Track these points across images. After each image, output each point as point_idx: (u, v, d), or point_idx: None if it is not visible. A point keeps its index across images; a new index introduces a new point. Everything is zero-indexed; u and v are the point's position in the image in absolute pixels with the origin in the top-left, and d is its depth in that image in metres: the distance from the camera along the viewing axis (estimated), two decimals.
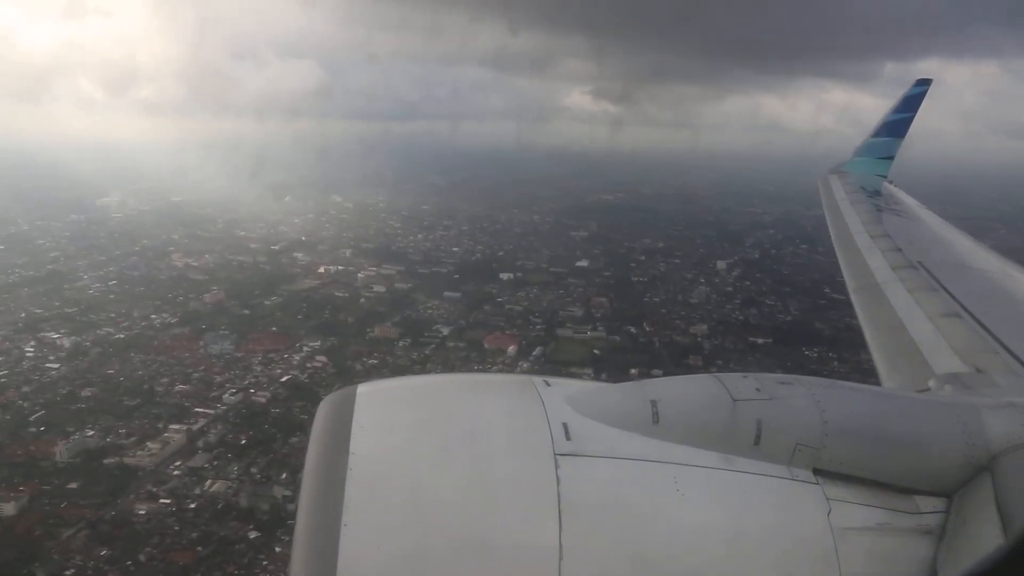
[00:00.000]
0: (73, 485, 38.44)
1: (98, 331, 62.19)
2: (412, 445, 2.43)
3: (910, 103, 15.06)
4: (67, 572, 31.86)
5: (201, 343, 59.55)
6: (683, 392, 2.78)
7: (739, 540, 2.38)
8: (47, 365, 54.56)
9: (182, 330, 63.39)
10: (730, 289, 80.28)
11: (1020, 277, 7.87)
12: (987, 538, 2.37)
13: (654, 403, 2.62)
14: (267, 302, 71.53)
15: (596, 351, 59.85)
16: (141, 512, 36.27)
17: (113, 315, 66.47)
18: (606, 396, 2.76)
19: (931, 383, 4.12)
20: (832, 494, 2.54)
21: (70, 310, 67.70)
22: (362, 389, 2.68)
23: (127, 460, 40.92)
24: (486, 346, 59.61)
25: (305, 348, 58.92)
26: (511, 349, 58.49)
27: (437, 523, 2.22)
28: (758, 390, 2.72)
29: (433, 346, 59.89)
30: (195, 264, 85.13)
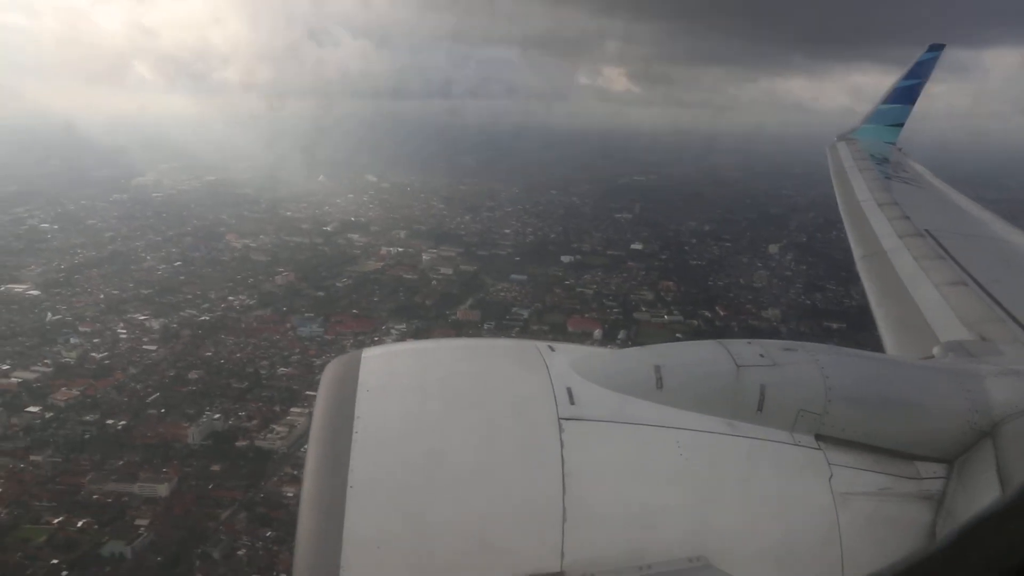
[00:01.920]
0: (215, 467, 39.32)
1: (181, 313, 62.75)
2: (417, 409, 2.45)
3: (921, 69, 14.68)
4: (238, 552, 32.89)
5: (289, 325, 60.27)
6: (687, 358, 2.80)
7: (741, 504, 2.41)
8: (145, 347, 55.25)
9: (263, 312, 64.02)
10: (789, 273, 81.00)
11: None
12: (987, 503, 2.72)
13: (658, 368, 2.64)
14: (339, 284, 72.07)
15: (679, 335, 60.73)
16: (289, 494, 37.16)
17: (190, 296, 67.03)
18: (610, 361, 2.77)
19: (935, 350, 4.10)
20: (834, 459, 2.57)
21: (146, 291, 68.19)
22: (367, 354, 2.70)
23: (259, 443, 41.78)
24: (570, 329, 60.37)
25: (393, 330, 59.60)
26: (596, 332, 59.29)
27: (441, 486, 2.24)
28: (762, 356, 2.74)
29: (517, 329, 60.65)
30: (253, 245, 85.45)
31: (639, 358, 2.73)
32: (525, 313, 64.32)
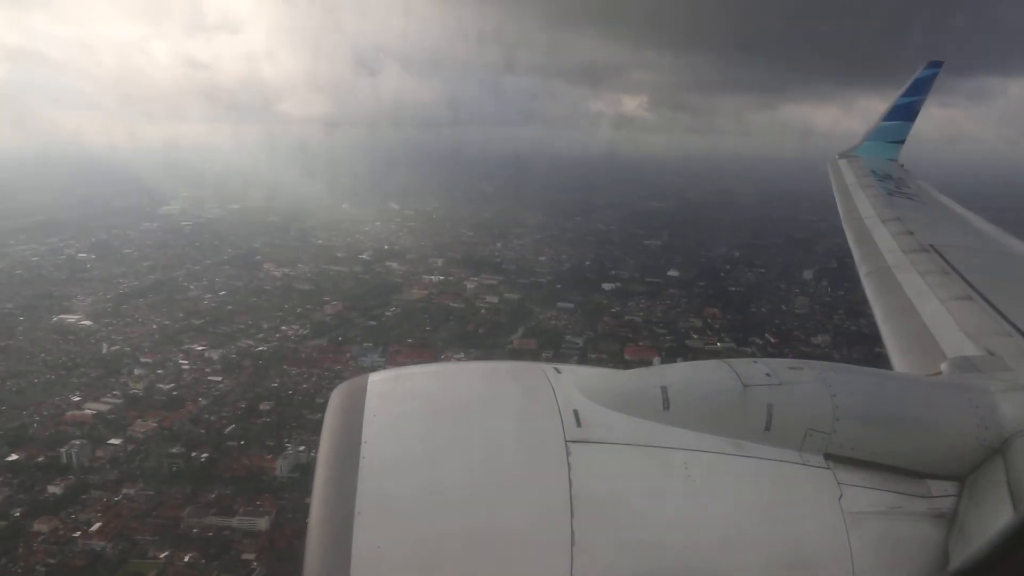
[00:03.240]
0: (309, 500, 39.16)
1: (238, 343, 62.90)
2: (424, 433, 2.45)
3: (920, 86, 14.81)
4: None
5: (348, 355, 60.50)
6: (693, 378, 2.78)
7: (750, 526, 2.39)
8: (210, 378, 55.35)
9: (319, 342, 64.24)
10: (828, 299, 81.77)
11: None
12: (999, 521, 2.38)
13: (664, 389, 2.63)
14: (388, 313, 72.43)
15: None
16: None
17: (243, 326, 67.12)
18: (616, 382, 2.77)
19: (943, 366, 4.05)
20: (843, 479, 2.55)
21: (197, 322, 68.38)
22: (373, 378, 2.71)
23: None
24: (627, 357, 60.75)
25: (453, 360, 59.83)
26: (656, 360, 59.61)
27: (449, 510, 2.24)
28: (768, 375, 2.72)
29: (575, 358, 60.97)
30: (293, 274, 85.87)
31: (645, 379, 2.74)
32: (580, 341, 64.74)
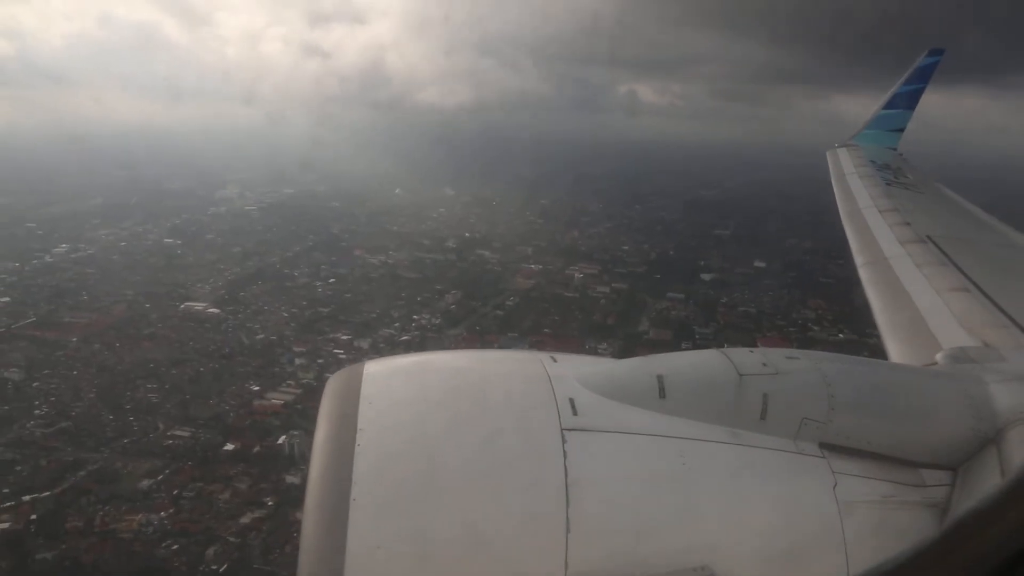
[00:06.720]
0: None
1: (378, 332, 63.58)
2: (420, 421, 2.47)
3: (921, 74, 14.74)
4: None
5: (497, 346, 61.41)
6: (690, 367, 2.81)
7: (745, 514, 2.42)
8: None
9: (457, 331, 65.07)
10: None
11: None
12: None
13: (660, 378, 2.66)
14: (508, 302, 73.29)
15: (865, 354, 62.96)
16: None
17: (373, 316, 67.69)
18: (612, 371, 2.79)
19: (938, 357, 4.07)
20: (838, 468, 2.57)
21: (324, 310, 68.77)
22: (370, 366, 2.73)
23: None
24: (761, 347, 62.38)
25: (599, 350, 60.99)
26: None
27: (445, 498, 2.26)
28: (764, 364, 2.75)
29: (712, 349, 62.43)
30: (390, 261, 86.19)
31: (641, 368, 2.78)
32: (709, 332, 66.31)
